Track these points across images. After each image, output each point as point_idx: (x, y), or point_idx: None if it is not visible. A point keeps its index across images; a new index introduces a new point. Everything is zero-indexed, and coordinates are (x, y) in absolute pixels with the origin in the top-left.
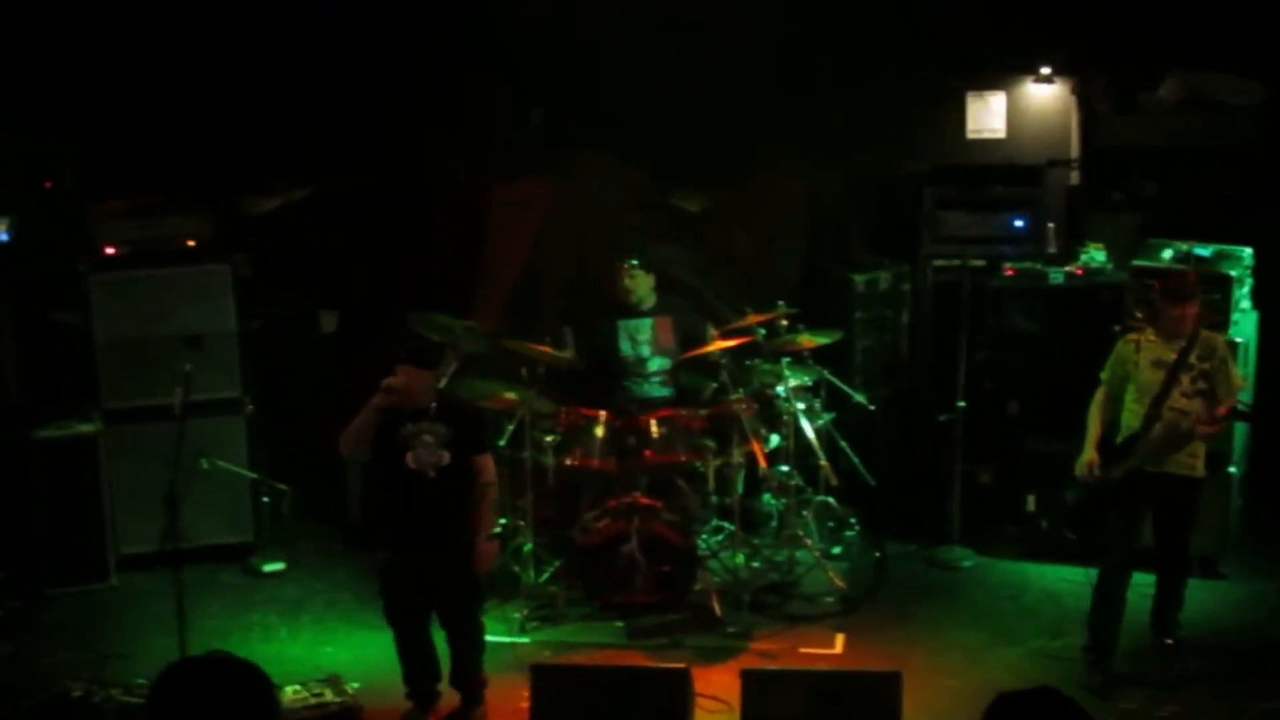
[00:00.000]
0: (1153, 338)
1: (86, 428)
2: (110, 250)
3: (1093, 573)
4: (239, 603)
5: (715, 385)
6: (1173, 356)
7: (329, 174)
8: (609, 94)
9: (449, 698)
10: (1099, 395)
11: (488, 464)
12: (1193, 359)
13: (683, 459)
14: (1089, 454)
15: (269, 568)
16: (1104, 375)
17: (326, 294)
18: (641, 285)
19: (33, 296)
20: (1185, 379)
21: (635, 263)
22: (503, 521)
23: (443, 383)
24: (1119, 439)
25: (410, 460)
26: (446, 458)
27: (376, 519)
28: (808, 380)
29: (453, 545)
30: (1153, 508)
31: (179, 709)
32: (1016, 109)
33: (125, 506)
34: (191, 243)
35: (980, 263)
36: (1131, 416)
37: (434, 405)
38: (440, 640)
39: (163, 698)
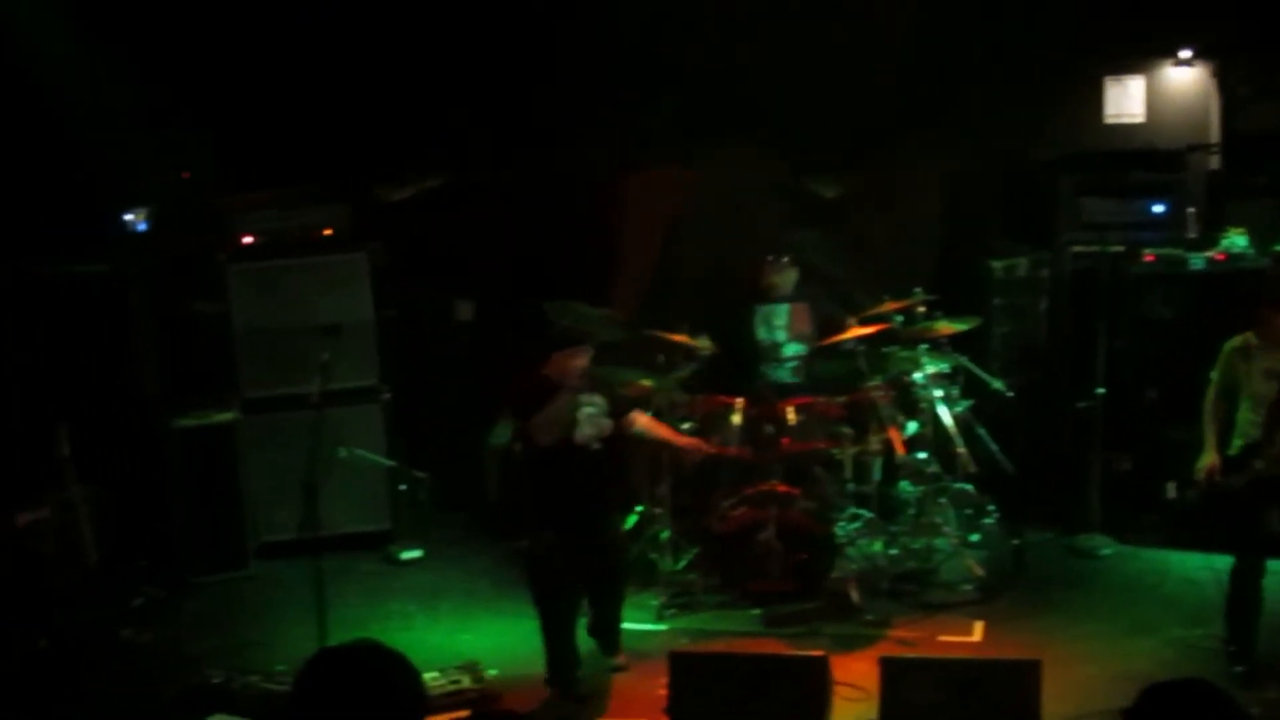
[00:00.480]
0: (1258, 343)
1: (224, 417)
2: (248, 240)
3: (1223, 562)
4: (377, 590)
5: (852, 372)
6: None
7: (464, 163)
8: (744, 81)
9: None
10: (1210, 395)
11: (637, 415)
12: None
13: (820, 446)
14: (1209, 458)
15: (407, 555)
16: (1214, 375)
17: (462, 283)
18: (787, 279)
19: (172, 286)
20: None
21: (785, 259)
22: (639, 509)
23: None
24: (1236, 446)
25: (577, 436)
26: (609, 426)
27: (537, 501)
28: (945, 367)
29: (613, 509)
30: (1277, 505)
31: (326, 697)
32: (1155, 93)
33: (263, 495)
34: (328, 232)
35: (1119, 249)
36: (1248, 425)
37: (590, 381)
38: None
39: (310, 686)
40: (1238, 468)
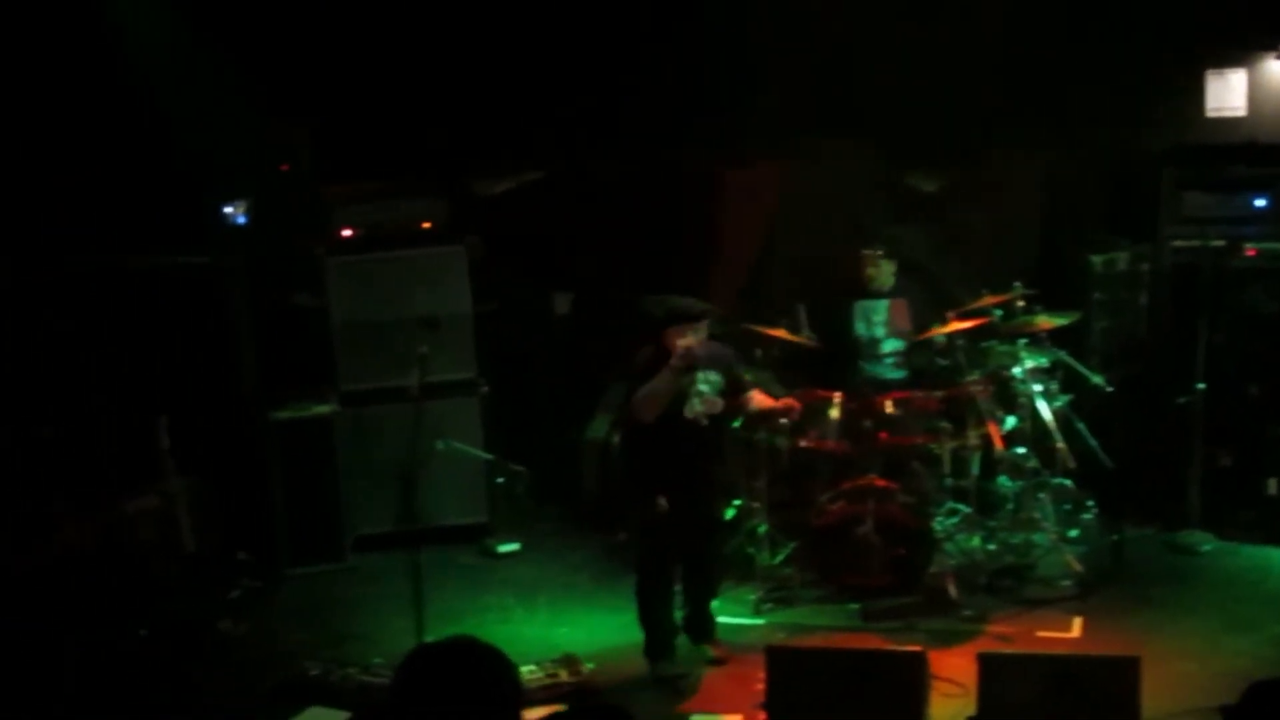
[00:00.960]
0: None
1: (322, 409)
2: (347, 233)
3: None
4: (474, 583)
5: (950, 366)
6: None
7: (563, 156)
8: (845, 75)
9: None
10: None
11: (755, 393)
12: None
13: (918, 441)
14: None
15: (504, 548)
16: None
17: (560, 276)
18: (884, 272)
19: (271, 279)
20: None
21: (880, 251)
22: (736, 503)
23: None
24: None
25: (687, 411)
26: (721, 405)
27: (643, 473)
28: (1044, 362)
29: (716, 490)
30: None
31: (424, 693)
32: (1258, 86)
33: (361, 488)
34: (427, 225)
35: (1220, 243)
36: None
37: (704, 357)
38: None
39: (408, 682)
40: None
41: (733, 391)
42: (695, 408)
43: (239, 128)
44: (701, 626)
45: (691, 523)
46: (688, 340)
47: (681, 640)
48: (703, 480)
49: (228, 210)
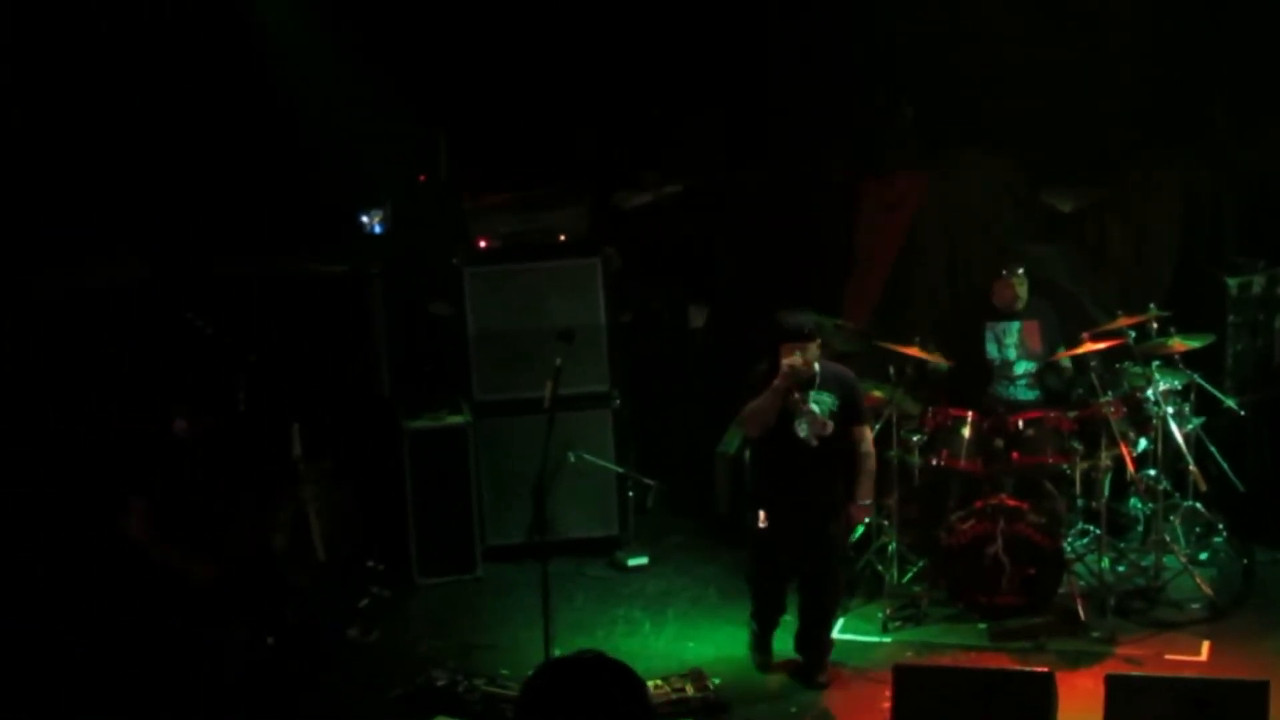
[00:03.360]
0: None
1: (457, 419)
2: (483, 243)
3: None
4: (603, 596)
5: (1083, 387)
6: None
7: (702, 170)
8: (982, 90)
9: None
10: None
11: (866, 434)
12: None
13: (1050, 461)
14: None
15: (633, 562)
16: None
17: (696, 289)
18: (1018, 293)
19: (408, 288)
20: None
21: (1015, 272)
22: (867, 520)
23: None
24: None
25: (798, 429)
26: (831, 427)
27: (758, 484)
28: (1178, 384)
29: (829, 512)
30: None
31: (553, 708)
32: None
33: (493, 498)
34: (563, 237)
35: None
36: None
37: (819, 376)
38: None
39: (537, 697)
40: None
41: (846, 419)
42: (803, 429)
43: (378, 136)
44: (812, 658)
45: (800, 541)
46: (794, 359)
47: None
48: (811, 503)
49: (364, 219)
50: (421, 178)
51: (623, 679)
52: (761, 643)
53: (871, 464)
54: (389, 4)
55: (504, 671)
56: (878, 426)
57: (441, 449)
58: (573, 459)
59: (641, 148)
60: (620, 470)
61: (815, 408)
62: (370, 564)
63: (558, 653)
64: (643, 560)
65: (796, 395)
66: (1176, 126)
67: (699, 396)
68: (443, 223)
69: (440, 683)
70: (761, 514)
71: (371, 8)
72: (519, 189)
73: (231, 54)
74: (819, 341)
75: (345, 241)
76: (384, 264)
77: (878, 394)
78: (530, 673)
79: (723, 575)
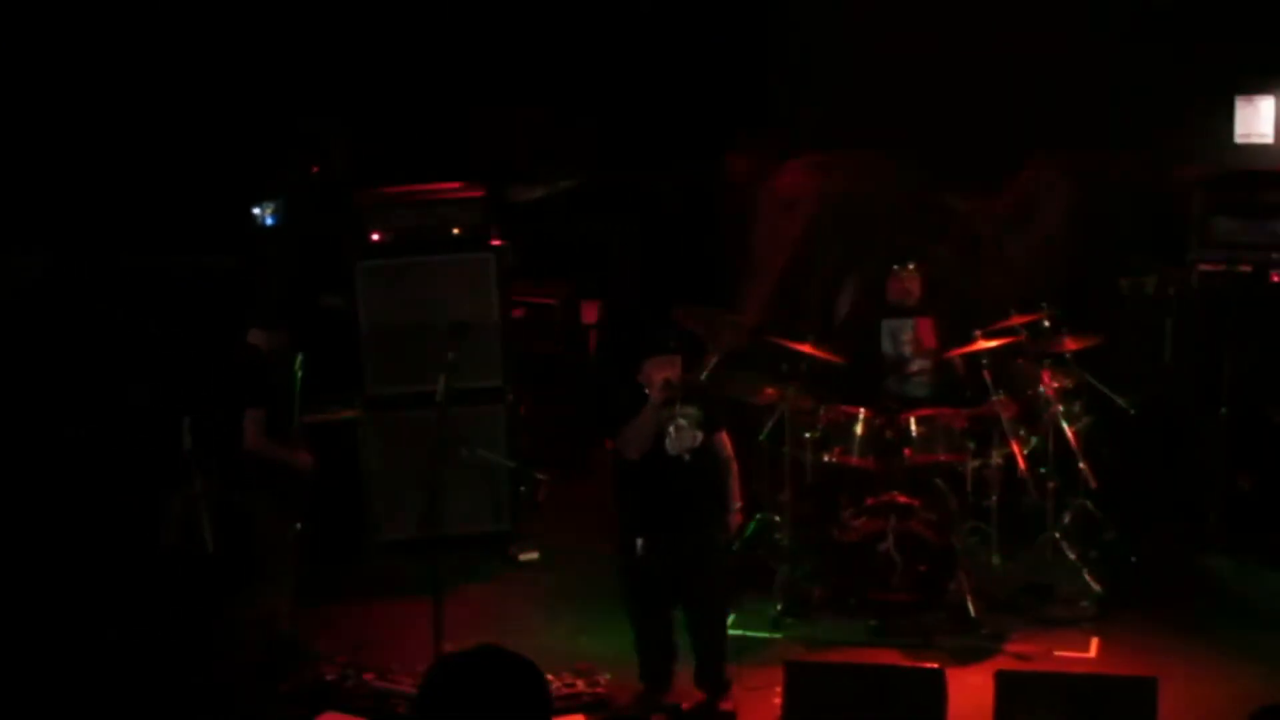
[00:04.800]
0: None
1: (348, 413)
2: (377, 236)
3: None
4: (495, 591)
5: (977, 385)
6: None
7: (598, 165)
8: (880, 90)
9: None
10: None
11: (727, 441)
12: None
13: (942, 459)
14: None
15: (525, 557)
16: None
17: (591, 285)
18: (913, 290)
19: (300, 281)
20: None
21: (910, 269)
22: (759, 516)
23: (704, 375)
24: None
25: (668, 445)
26: (700, 438)
27: (629, 511)
28: (1070, 383)
29: (705, 527)
30: None
31: (451, 704)
32: None
33: (384, 493)
34: (458, 231)
35: (1248, 269)
36: None
37: (682, 389)
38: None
39: (435, 692)
40: None
41: (708, 429)
42: (674, 444)
43: (271, 128)
44: (714, 684)
45: (682, 563)
46: (667, 373)
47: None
48: (690, 519)
49: (256, 211)
50: (315, 169)
51: (523, 673)
52: (654, 675)
53: (736, 468)
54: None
55: (394, 666)
56: (770, 424)
57: (333, 443)
58: (465, 454)
59: (538, 142)
60: (512, 465)
61: (684, 421)
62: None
63: (448, 648)
64: (534, 555)
65: (664, 410)
66: (1072, 128)
67: (591, 392)
68: (337, 216)
69: (329, 678)
70: (639, 541)
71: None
72: (413, 182)
73: (124, 45)
74: (680, 354)
75: (237, 234)
76: (277, 257)
77: (771, 390)
78: (426, 668)
79: (614, 571)
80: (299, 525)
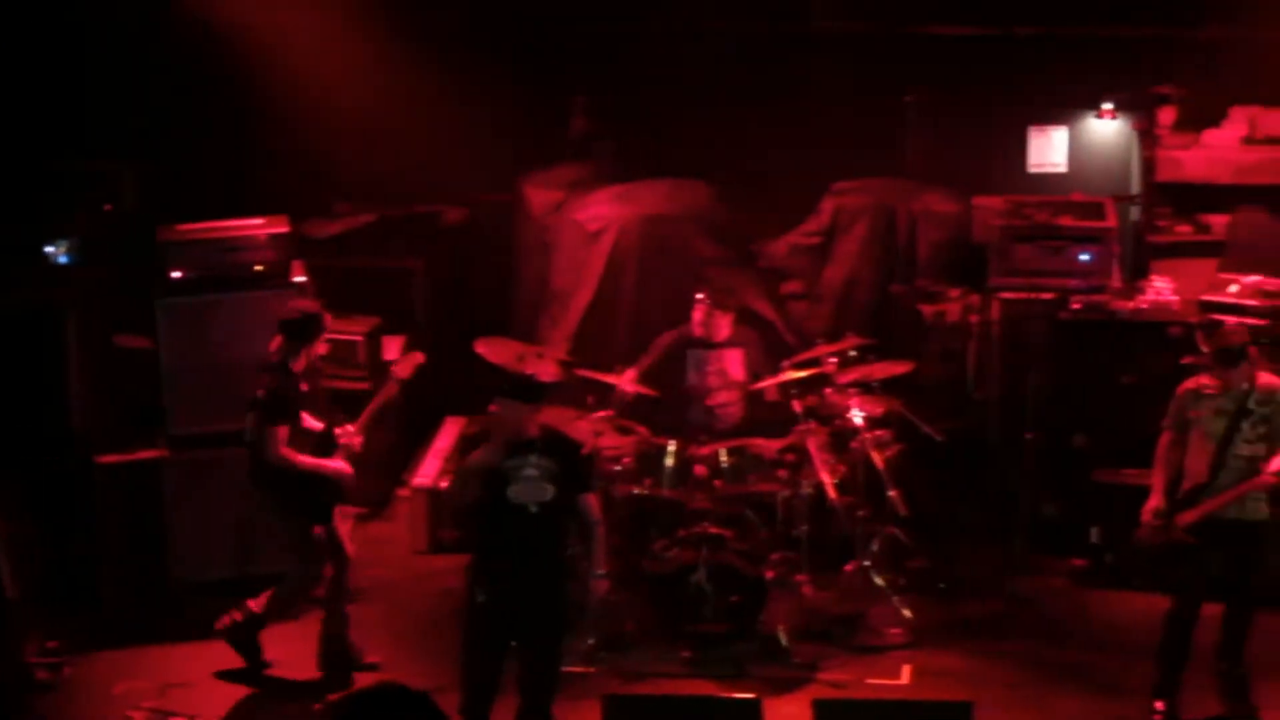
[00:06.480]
0: (1212, 387)
1: (152, 453)
2: (177, 274)
3: (1158, 607)
4: (305, 629)
5: (786, 415)
6: (1233, 405)
7: (393, 199)
8: (682, 122)
9: None
10: (1164, 442)
11: (594, 502)
12: (1252, 404)
13: (753, 489)
14: (1155, 501)
15: None
16: (1166, 423)
17: (390, 319)
18: (720, 321)
19: (99, 320)
20: (1246, 426)
21: (717, 300)
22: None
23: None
24: (1185, 488)
25: (512, 494)
26: (550, 492)
27: (475, 556)
28: (877, 411)
29: (549, 581)
30: (1221, 551)
31: None
32: (1078, 144)
33: (191, 533)
34: (260, 267)
35: (1048, 295)
36: (1197, 465)
37: (538, 439)
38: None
39: None
40: (1186, 506)
41: (569, 487)
42: (522, 491)
43: (63, 166)
44: None
45: (523, 614)
46: (515, 417)
47: None
48: (537, 574)
49: (49, 249)
50: (109, 208)
51: (424, 709)
52: (474, 712)
53: (601, 532)
54: (72, 39)
55: (202, 710)
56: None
57: (135, 483)
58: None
59: (336, 178)
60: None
61: (532, 471)
62: (64, 601)
63: (257, 692)
64: None
65: (514, 459)
66: (875, 159)
67: (396, 427)
68: (136, 254)
69: None
70: (481, 590)
71: (53, 42)
72: (213, 219)
73: None
74: (539, 405)
75: (31, 273)
76: (74, 296)
77: (580, 423)
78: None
79: (432, 605)
80: None
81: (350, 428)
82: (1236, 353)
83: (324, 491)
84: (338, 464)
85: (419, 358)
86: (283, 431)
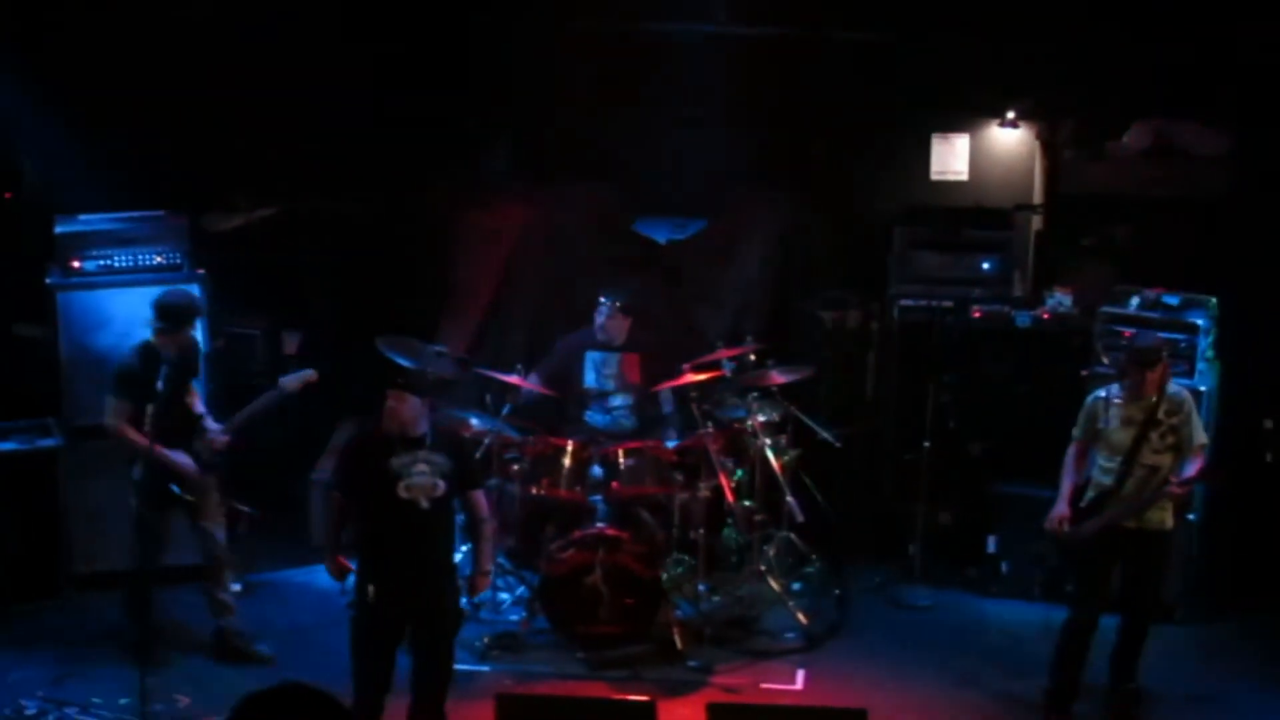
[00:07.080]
0: (1121, 396)
1: (47, 443)
2: (77, 264)
3: (1054, 616)
4: (199, 621)
5: (683, 418)
6: (1141, 415)
7: (294, 194)
8: (583, 124)
9: None
10: (1071, 451)
11: (483, 500)
12: (1161, 415)
13: (649, 491)
14: (1060, 509)
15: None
16: (1076, 433)
17: (289, 315)
18: (618, 325)
19: None
20: (1154, 436)
21: (615, 303)
22: (464, 548)
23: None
24: (1091, 495)
25: (402, 490)
26: (441, 488)
27: (361, 555)
28: (775, 416)
29: (440, 577)
30: (1123, 561)
31: None
32: (980, 152)
33: (85, 524)
34: (159, 259)
35: (948, 303)
36: (1103, 473)
37: (428, 434)
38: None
39: None
40: (1091, 514)
41: (460, 483)
42: (413, 487)
43: None
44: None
45: (412, 612)
46: (403, 411)
47: None
48: (429, 569)
49: None
50: (8, 195)
51: (327, 708)
52: (366, 710)
53: (490, 529)
54: None
55: (96, 700)
56: (478, 454)
57: (28, 473)
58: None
59: (236, 170)
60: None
61: (423, 467)
62: None
63: (147, 681)
64: (236, 587)
65: (403, 455)
66: (776, 164)
67: (291, 424)
68: (32, 244)
69: (29, 712)
70: (371, 587)
71: None
72: (111, 209)
73: None
74: (428, 399)
75: None
76: None
77: (476, 422)
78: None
79: (317, 603)
80: None
81: (216, 426)
82: (1146, 363)
83: (161, 479)
84: (180, 457)
85: (312, 377)
86: (122, 406)
